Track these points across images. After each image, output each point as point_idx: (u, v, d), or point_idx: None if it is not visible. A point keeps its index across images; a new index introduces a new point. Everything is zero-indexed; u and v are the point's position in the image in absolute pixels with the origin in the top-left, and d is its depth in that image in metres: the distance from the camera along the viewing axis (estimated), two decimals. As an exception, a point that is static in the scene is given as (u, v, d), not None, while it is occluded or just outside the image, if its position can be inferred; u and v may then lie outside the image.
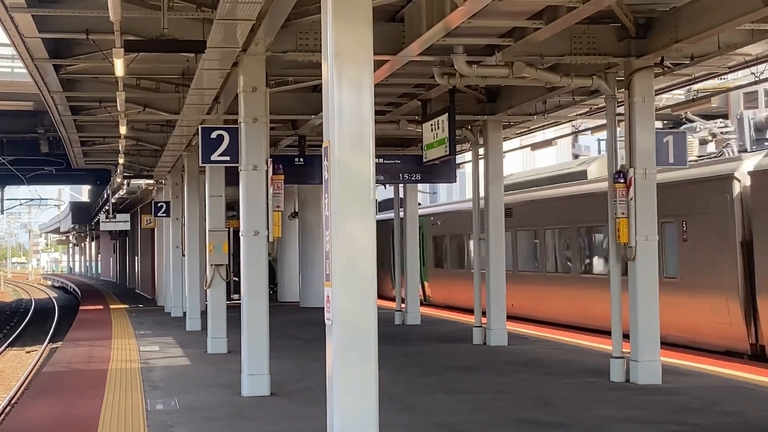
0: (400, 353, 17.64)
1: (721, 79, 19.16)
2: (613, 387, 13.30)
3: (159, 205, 29.74)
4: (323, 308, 7.95)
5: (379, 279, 32.88)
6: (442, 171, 20.85)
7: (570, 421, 10.88)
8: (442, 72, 14.67)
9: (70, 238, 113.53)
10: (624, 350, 13.89)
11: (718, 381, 13.62)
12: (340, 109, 7.66)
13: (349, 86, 7.66)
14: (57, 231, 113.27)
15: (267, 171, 13.15)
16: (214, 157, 14.12)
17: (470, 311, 24.14)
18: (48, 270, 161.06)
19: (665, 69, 14.26)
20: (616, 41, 13.63)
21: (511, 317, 24.08)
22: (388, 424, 9.63)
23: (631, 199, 13.52)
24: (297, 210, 32.41)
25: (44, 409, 12.30)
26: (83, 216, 69.01)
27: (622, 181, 13.61)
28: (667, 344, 17.62)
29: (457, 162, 23.96)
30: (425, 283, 32.07)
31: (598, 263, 21.55)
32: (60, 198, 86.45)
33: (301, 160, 21.11)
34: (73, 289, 63.21)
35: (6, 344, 28.76)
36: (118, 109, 17.06)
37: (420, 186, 33.65)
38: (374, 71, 7.90)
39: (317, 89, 17.55)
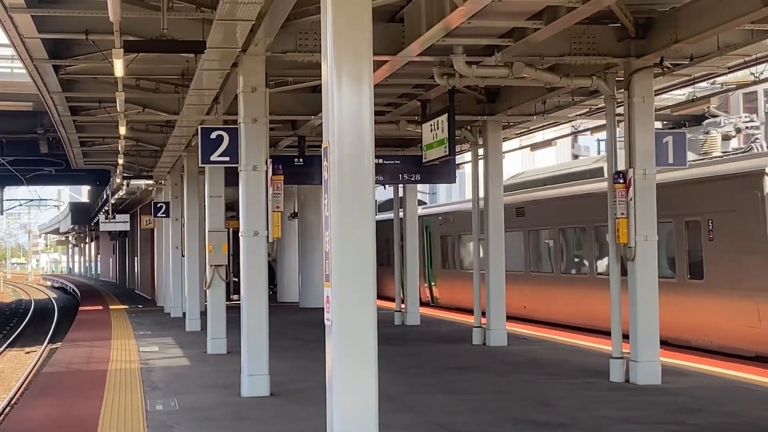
0: (399, 354, 17.64)
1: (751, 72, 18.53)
2: (612, 387, 13.30)
3: (158, 205, 29.74)
4: (323, 309, 7.95)
5: (381, 279, 32.77)
6: (442, 171, 20.84)
7: (569, 422, 10.88)
8: (442, 72, 14.67)
9: (70, 238, 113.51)
10: (624, 350, 13.89)
11: (718, 381, 13.62)
12: (340, 109, 7.66)
13: (349, 86, 7.67)
14: (56, 231, 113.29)
15: (267, 171, 13.15)
16: (214, 157, 14.11)
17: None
18: (47, 270, 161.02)
19: (665, 69, 14.26)
20: (616, 41, 13.63)
21: (524, 320, 24.02)
22: (388, 425, 9.63)
23: (631, 199, 13.52)
24: (297, 210, 32.42)
25: (44, 410, 12.30)
26: (83, 216, 69.02)
27: (621, 181, 13.61)
28: (692, 348, 17.24)
29: (456, 162, 23.96)
30: (432, 284, 31.67)
31: None
32: (59, 198, 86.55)
33: (301, 160, 21.12)
34: (73, 290, 63.20)
35: (6, 345, 28.76)
36: (118, 109, 17.06)
37: (419, 186, 33.64)
38: (374, 71, 7.91)
39: (317, 89, 17.55)
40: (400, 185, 24.76)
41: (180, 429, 10.82)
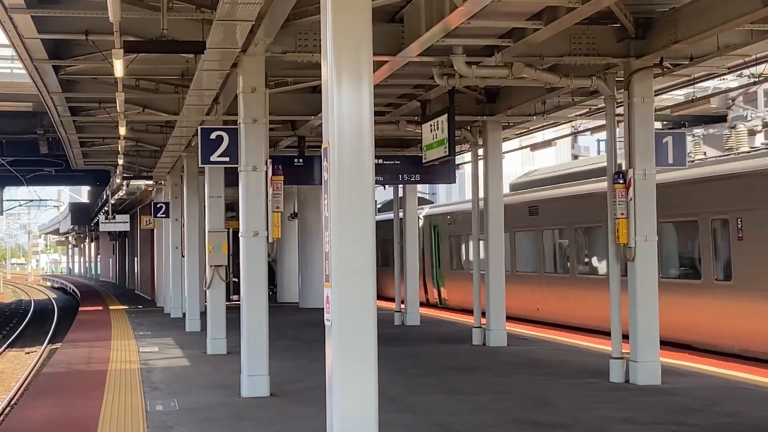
0: (399, 354, 17.64)
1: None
2: (612, 387, 13.30)
3: (158, 205, 29.74)
4: (323, 309, 7.96)
5: (383, 279, 32.69)
6: (442, 171, 20.85)
7: (569, 422, 10.88)
8: (442, 73, 14.67)
9: (70, 239, 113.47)
10: (623, 351, 13.89)
11: (718, 381, 13.62)
12: (340, 109, 7.67)
13: (349, 87, 7.67)
14: (56, 232, 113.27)
15: (266, 172, 13.15)
16: (214, 157, 14.11)
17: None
18: (47, 271, 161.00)
19: (664, 69, 14.26)
20: (616, 42, 13.63)
21: (536, 322, 23.76)
22: (388, 425, 9.63)
23: (631, 199, 13.52)
24: (296, 211, 32.42)
25: (44, 410, 12.30)
26: (83, 217, 69.03)
27: (621, 181, 13.61)
28: (718, 353, 16.72)
29: (456, 163, 23.94)
30: (440, 285, 31.19)
31: None
32: (59, 199, 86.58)
33: (301, 160, 21.12)
34: (73, 290, 63.20)
35: (5, 345, 28.74)
36: (118, 109, 17.07)
37: (419, 187, 33.59)
38: (374, 72, 7.91)
39: (317, 90, 17.55)
40: (400, 185, 24.75)
41: (180, 429, 10.82)
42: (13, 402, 16.74)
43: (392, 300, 27.58)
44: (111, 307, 35.17)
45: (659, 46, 13.08)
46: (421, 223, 31.97)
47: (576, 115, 21.16)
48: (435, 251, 31.33)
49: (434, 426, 10.80)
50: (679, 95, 20.46)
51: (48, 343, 28.15)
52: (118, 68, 12.76)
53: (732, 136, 19.01)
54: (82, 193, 78.10)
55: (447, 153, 15.89)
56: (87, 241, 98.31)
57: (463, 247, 29.23)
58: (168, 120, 19.78)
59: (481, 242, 19.35)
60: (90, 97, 18.65)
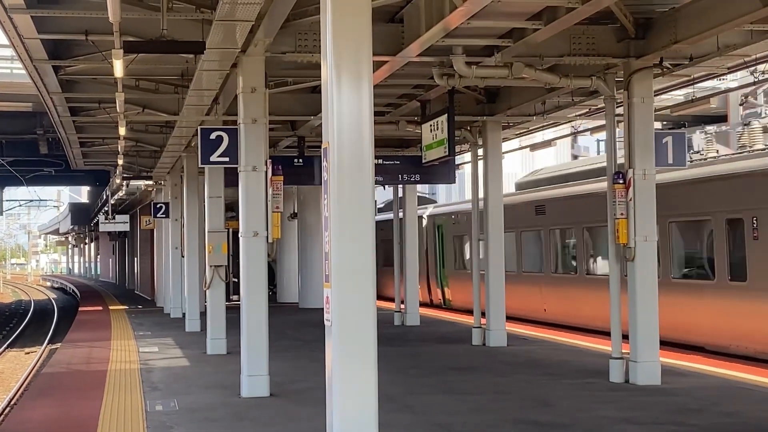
0: (399, 354, 17.64)
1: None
2: (612, 387, 13.30)
3: (158, 206, 29.73)
4: (323, 309, 7.96)
5: (384, 279, 32.62)
6: (441, 172, 20.85)
7: (569, 422, 10.88)
8: (442, 73, 14.68)
9: (70, 239, 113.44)
10: (623, 351, 13.89)
11: (718, 381, 13.62)
12: (340, 109, 7.67)
13: (349, 87, 7.67)
14: (56, 232, 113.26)
15: (266, 172, 13.15)
16: (214, 158, 14.11)
17: None
18: (47, 271, 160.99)
19: (664, 70, 14.26)
20: (616, 42, 13.63)
21: (543, 323, 23.60)
22: (388, 425, 9.63)
23: (631, 199, 13.52)
24: (296, 211, 32.42)
25: (43, 410, 12.30)
26: (82, 217, 69.02)
27: (621, 181, 13.61)
28: (732, 356, 16.48)
29: (456, 163, 23.93)
30: (444, 285, 30.85)
31: None
32: (59, 199, 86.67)
33: (301, 161, 21.12)
34: (73, 290, 63.19)
35: (5, 345, 28.74)
36: (118, 110, 17.06)
37: (419, 187, 33.56)
38: (373, 72, 7.91)
39: (316, 90, 17.55)
40: (400, 185, 24.75)
41: (180, 429, 10.82)
42: (12, 402, 16.75)
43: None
44: (111, 308, 35.17)
45: (659, 46, 13.08)
46: (424, 222, 31.86)
47: (576, 115, 21.15)
48: (439, 251, 31.06)
49: (434, 426, 10.80)
50: (679, 95, 20.47)
51: (48, 344, 28.15)
52: (118, 68, 12.76)
53: (745, 134, 18.70)
54: (82, 194, 78.21)
55: (447, 153, 15.90)
56: (87, 241, 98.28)
57: (467, 247, 28.63)
58: (168, 120, 19.78)
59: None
60: (90, 97, 18.65)
